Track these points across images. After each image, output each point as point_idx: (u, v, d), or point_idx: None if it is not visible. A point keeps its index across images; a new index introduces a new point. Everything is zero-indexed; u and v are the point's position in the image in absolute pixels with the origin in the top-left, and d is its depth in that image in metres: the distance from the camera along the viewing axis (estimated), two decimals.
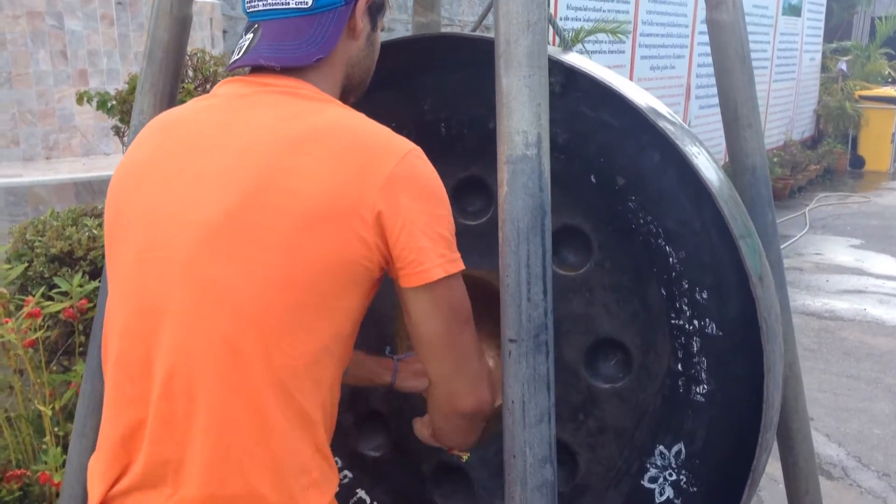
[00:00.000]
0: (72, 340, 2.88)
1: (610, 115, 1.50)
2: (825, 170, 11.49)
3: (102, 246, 2.66)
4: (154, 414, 1.17)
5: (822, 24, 12.86)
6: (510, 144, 1.22)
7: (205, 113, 1.28)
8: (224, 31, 5.38)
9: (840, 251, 7.73)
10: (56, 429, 2.69)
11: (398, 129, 1.65)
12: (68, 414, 2.66)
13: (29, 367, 2.73)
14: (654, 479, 1.55)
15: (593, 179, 1.53)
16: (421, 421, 1.54)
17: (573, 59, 1.53)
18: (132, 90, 3.30)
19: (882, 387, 4.67)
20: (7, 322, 2.64)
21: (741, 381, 1.45)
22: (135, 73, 3.61)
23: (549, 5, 1.57)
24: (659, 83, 7.96)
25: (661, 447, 1.54)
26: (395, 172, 1.17)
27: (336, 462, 1.81)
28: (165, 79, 1.67)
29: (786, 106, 11.67)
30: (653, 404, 1.54)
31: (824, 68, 13.22)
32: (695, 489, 1.51)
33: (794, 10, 11.38)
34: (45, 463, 2.58)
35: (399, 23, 6.28)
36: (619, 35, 5.54)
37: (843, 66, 12.74)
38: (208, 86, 3.40)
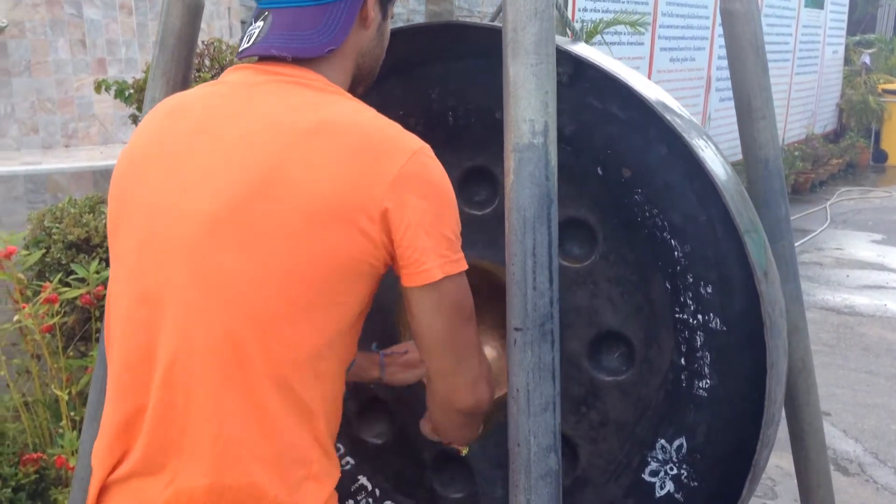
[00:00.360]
0: (88, 326, 2.91)
1: (617, 107, 1.49)
2: (847, 164, 11.39)
3: None
4: (154, 402, 1.17)
5: (845, 17, 12.71)
6: (517, 133, 1.22)
7: (212, 100, 1.27)
8: (242, 21, 5.40)
9: (861, 246, 7.66)
10: (72, 413, 2.72)
11: (406, 118, 1.66)
12: (84, 399, 2.69)
13: (46, 352, 2.77)
14: (654, 473, 1.55)
15: (600, 171, 1.53)
16: (425, 418, 1.55)
17: (581, 49, 1.52)
18: None
19: None
20: (24, 308, 2.68)
21: (744, 376, 1.44)
22: None
23: None
24: (679, 75, 7.91)
25: (663, 441, 1.53)
26: (403, 171, 1.17)
27: (338, 448, 1.84)
28: (177, 66, 1.67)
29: (808, 99, 11.56)
30: (655, 398, 1.54)
31: (847, 61, 13.07)
32: (695, 483, 1.51)
33: (817, 3, 11.26)
34: (62, 447, 2.62)
35: (418, 14, 6.28)
36: (639, 27, 5.50)
37: (867, 60, 12.58)
38: None
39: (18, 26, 4.39)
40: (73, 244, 2.96)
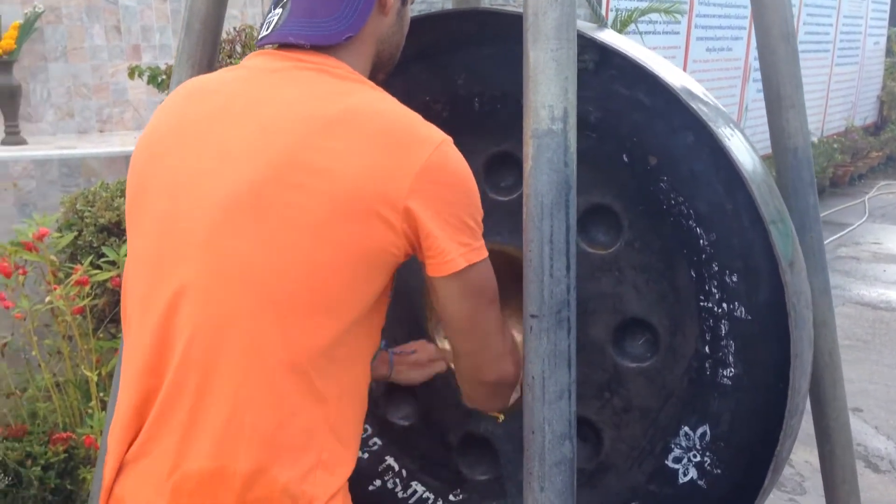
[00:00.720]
0: (118, 309, 2.94)
1: (644, 95, 1.48)
2: (887, 157, 11.20)
3: None
4: (168, 384, 1.17)
5: (887, 7, 12.48)
6: (536, 118, 1.21)
7: (233, 84, 1.27)
8: None
9: None
10: (101, 394, 2.76)
11: (432, 103, 1.67)
12: None
13: (77, 333, 2.81)
14: (678, 460, 1.54)
15: (625, 159, 1.51)
16: None
17: (608, 36, 1.51)
18: None
19: None
20: (56, 289, 2.72)
21: (768, 366, 1.43)
22: None
23: None
24: (715, 65, 7.81)
25: (686, 428, 1.53)
26: (428, 162, 1.17)
27: (366, 430, 1.86)
28: (203, 51, 1.67)
29: (848, 91, 11.38)
30: (679, 385, 1.53)
31: (889, 52, 12.83)
32: (719, 471, 1.50)
33: None
34: (91, 427, 2.66)
35: (448, 0, 6.25)
36: (675, 14, 5.43)
37: None
38: None
39: (55, 12, 4.45)
40: (105, 227, 3.00)
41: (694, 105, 1.40)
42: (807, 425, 1.72)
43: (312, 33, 1.24)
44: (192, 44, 1.67)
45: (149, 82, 3.62)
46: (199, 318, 1.16)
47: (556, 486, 1.21)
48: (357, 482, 1.85)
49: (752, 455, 1.47)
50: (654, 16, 5.48)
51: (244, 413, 1.15)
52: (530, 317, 1.21)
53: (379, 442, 1.88)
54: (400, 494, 1.88)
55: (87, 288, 2.76)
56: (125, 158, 3.90)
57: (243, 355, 1.15)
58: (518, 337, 1.66)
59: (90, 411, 2.77)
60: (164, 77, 3.50)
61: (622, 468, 1.61)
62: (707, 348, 1.49)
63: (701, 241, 1.46)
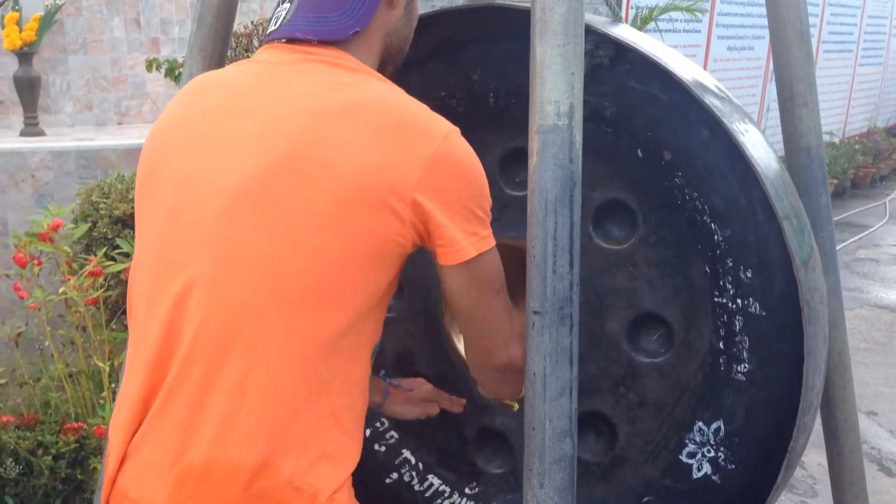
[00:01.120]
0: None
1: (658, 90, 1.47)
2: None
3: None
4: (173, 375, 1.17)
5: None
6: (541, 114, 1.20)
7: (243, 77, 1.28)
8: None
9: None
10: (114, 385, 2.77)
11: (448, 99, 1.66)
12: None
13: (90, 324, 2.82)
14: (692, 455, 1.54)
15: (640, 154, 1.51)
16: None
17: (622, 31, 1.50)
18: None
19: None
20: (70, 280, 2.73)
21: (783, 362, 1.42)
22: None
23: None
24: (736, 64, 7.76)
25: (701, 423, 1.52)
26: (436, 152, 1.17)
27: (383, 423, 1.86)
28: (215, 43, 1.67)
29: (871, 92, 11.27)
30: (693, 381, 1.53)
31: None
32: (732, 466, 1.50)
33: None
34: (102, 417, 2.67)
35: None
36: (696, 12, 5.39)
37: None
38: None
39: (75, 4, 4.47)
40: (119, 219, 3.01)
41: (707, 99, 1.39)
42: (819, 427, 1.70)
43: (319, 28, 1.25)
44: (203, 37, 1.68)
45: (166, 75, 3.63)
46: (206, 309, 1.16)
47: (556, 483, 1.21)
48: (374, 475, 1.87)
49: (765, 451, 1.46)
50: (674, 14, 5.44)
51: (250, 404, 1.14)
52: (533, 313, 1.21)
53: (395, 435, 1.89)
54: (416, 487, 1.89)
55: (101, 279, 2.77)
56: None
57: (250, 346, 1.14)
58: None
59: (102, 402, 2.78)
60: (181, 70, 3.51)
61: (637, 462, 1.61)
62: (721, 344, 1.48)
63: (715, 237, 1.45)
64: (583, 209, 1.28)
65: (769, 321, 1.43)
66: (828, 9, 9.15)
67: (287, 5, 1.28)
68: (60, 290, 2.78)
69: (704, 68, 7.21)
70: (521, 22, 1.54)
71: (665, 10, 5.34)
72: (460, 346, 1.75)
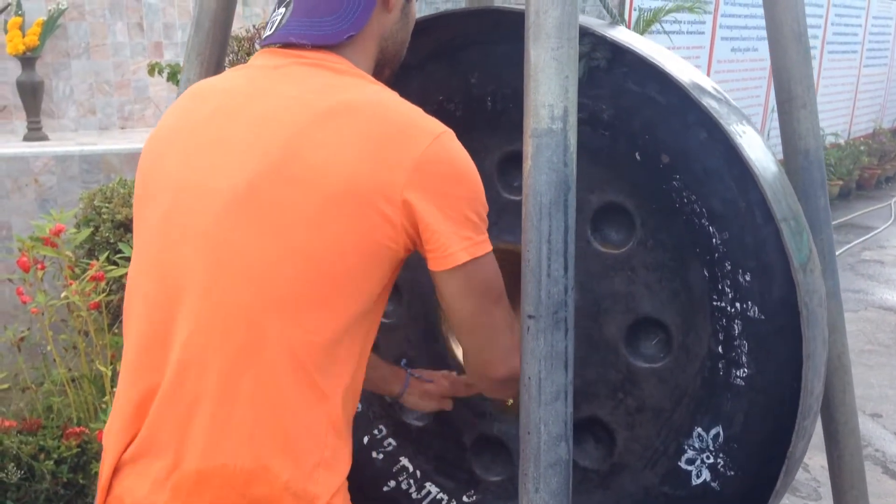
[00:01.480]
0: None
1: (656, 92, 1.46)
2: None
3: None
4: (167, 382, 1.16)
5: None
6: (535, 118, 1.19)
7: (236, 82, 1.28)
8: None
9: None
10: (116, 389, 2.77)
11: (446, 103, 1.66)
12: None
13: (92, 328, 2.82)
14: (691, 461, 1.53)
15: (638, 157, 1.50)
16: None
17: (619, 34, 1.49)
18: None
19: None
20: (72, 284, 2.73)
21: (782, 366, 1.41)
22: None
23: None
24: (740, 66, 7.75)
25: (700, 429, 1.51)
26: (426, 154, 1.15)
27: (381, 430, 1.86)
28: (212, 48, 1.68)
29: (876, 93, 11.25)
30: (692, 386, 1.51)
31: None
32: (732, 473, 1.49)
33: None
34: (104, 422, 2.66)
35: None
36: (698, 11, 5.37)
37: None
38: None
39: (78, 9, 4.48)
40: (122, 224, 3.02)
41: (705, 101, 1.38)
42: (822, 429, 1.69)
43: (314, 32, 1.24)
44: (201, 42, 1.68)
45: (169, 79, 3.64)
46: (199, 314, 1.16)
47: (551, 487, 1.20)
48: (372, 483, 1.87)
49: (764, 456, 1.45)
50: (678, 15, 5.43)
51: (242, 411, 1.14)
52: (528, 317, 1.20)
53: (393, 443, 1.89)
54: (414, 495, 1.88)
55: (103, 283, 2.77)
56: None
57: (243, 351, 1.14)
58: None
59: (104, 406, 2.78)
60: None
61: (635, 469, 1.60)
62: (720, 348, 1.47)
63: (714, 240, 1.44)
64: (580, 213, 1.27)
65: (768, 325, 1.42)
66: (832, 10, 9.13)
67: (283, 10, 1.27)
68: (63, 295, 2.78)
69: (708, 70, 7.20)
70: (519, 25, 1.54)
71: (670, 11, 5.33)
72: (459, 353, 1.74)
